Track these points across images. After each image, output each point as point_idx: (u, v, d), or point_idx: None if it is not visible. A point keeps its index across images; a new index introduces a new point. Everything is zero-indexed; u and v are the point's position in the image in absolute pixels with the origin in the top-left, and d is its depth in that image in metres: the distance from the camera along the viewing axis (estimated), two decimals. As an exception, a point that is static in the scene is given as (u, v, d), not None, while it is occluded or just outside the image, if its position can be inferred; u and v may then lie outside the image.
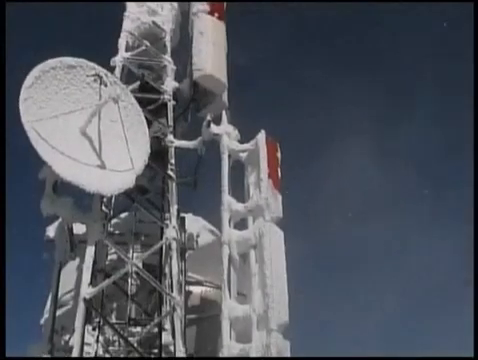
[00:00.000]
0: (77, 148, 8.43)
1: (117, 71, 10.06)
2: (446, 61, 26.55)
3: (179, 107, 10.41)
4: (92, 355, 8.21)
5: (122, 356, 8.48)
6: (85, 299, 7.93)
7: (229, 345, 7.87)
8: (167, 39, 10.99)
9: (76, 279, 9.40)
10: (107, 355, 8.48)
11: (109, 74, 9.28)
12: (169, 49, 10.86)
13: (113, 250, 8.85)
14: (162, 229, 8.98)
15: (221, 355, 7.85)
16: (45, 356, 8.57)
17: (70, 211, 8.50)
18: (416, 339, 24.22)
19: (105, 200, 8.86)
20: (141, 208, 9.18)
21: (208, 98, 10.45)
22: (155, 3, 11.30)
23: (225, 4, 11.32)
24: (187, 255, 9.41)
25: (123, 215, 9.71)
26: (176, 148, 9.70)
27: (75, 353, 7.68)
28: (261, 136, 9.23)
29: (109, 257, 9.25)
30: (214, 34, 10.75)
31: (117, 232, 9.63)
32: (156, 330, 8.50)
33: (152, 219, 9.17)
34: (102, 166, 8.58)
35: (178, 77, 10.63)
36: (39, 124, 8.04)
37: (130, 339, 8.38)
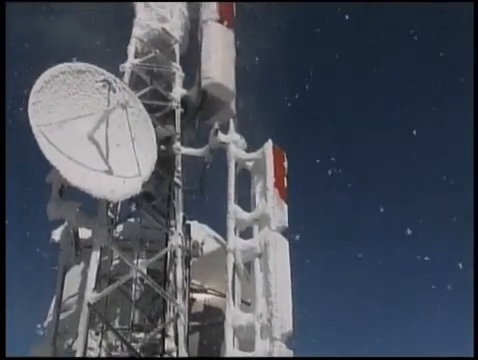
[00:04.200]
0: (85, 153, 8.45)
1: (126, 77, 10.08)
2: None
3: (187, 114, 10.45)
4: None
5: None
6: (89, 304, 7.95)
7: (232, 353, 7.87)
8: (176, 46, 10.99)
9: (80, 284, 9.41)
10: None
11: (118, 80, 9.32)
12: (178, 56, 10.88)
13: (118, 255, 8.86)
14: (167, 236, 8.99)
15: (224, 363, 7.86)
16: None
17: (76, 215, 8.51)
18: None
19: (111, 205, 8.86)
20: (147, 214, 9.20)
21: (216, 106, 10.46)
22: (165, 10, 11.32)
23: (234, 7, 11.32)
24: (192, 262, 9.41)
25: (129, 221, 9.74)
26: (183, 155, 9.71)
27: (78, 357, 7.71)
28: (268, 145, 9.24)
29: (114, 262, 9.26)
30: (223, 42, 10.77)
31: (122, 238, 9.64)
32: (159, 336, 8.50)
33: (157, 226, 9.18)
34: (109, 172, 8.61)
35: (186, 84, 10.66)
36: (47, 128, 8.08)
37: (133, 345, 8.37)
